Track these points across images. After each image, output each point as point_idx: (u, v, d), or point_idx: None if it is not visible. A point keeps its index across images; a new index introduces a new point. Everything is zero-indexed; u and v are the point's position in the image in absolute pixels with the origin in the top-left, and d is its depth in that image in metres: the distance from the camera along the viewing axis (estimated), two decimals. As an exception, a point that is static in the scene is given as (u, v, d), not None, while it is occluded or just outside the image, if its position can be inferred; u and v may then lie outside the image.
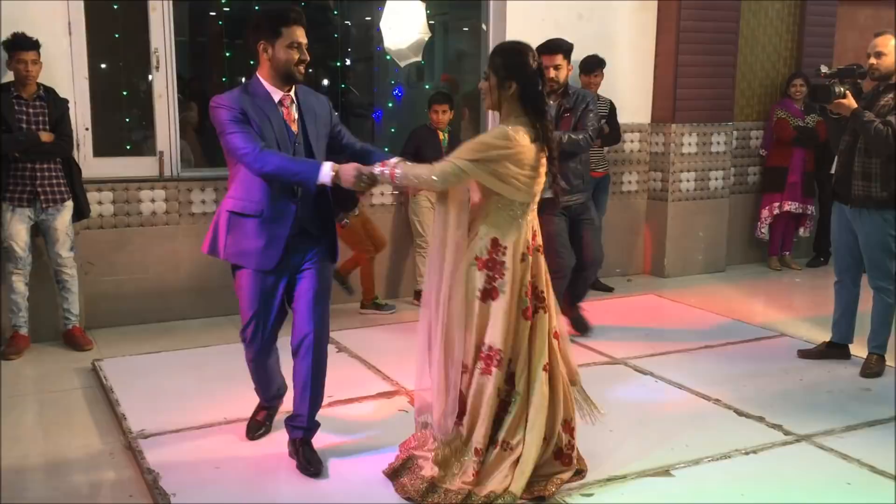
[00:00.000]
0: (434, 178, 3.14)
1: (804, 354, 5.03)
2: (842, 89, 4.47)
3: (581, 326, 5.39)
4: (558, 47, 5.07)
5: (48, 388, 4.54)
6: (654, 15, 7.05)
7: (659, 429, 3.96)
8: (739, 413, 4.15)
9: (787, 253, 7.68)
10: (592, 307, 5.69)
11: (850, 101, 4.46)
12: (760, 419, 4.07)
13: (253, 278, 3.47)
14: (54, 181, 4.99)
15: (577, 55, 6.52)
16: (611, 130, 6.49)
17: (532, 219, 3.30)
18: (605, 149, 6.68)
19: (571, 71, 5.15)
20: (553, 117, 4.97)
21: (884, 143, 4.39)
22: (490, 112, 6.10)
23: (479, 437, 3.22)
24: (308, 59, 3.37)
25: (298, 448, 3.52)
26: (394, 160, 3.25)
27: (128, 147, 5.95)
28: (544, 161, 3.28)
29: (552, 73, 4.98)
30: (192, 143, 6.57)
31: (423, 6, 6.53)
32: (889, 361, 4.78)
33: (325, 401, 4.19)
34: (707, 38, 7.00)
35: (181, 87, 6.01)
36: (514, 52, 3.29)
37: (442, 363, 3.22)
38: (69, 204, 5.07)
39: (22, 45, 4.84)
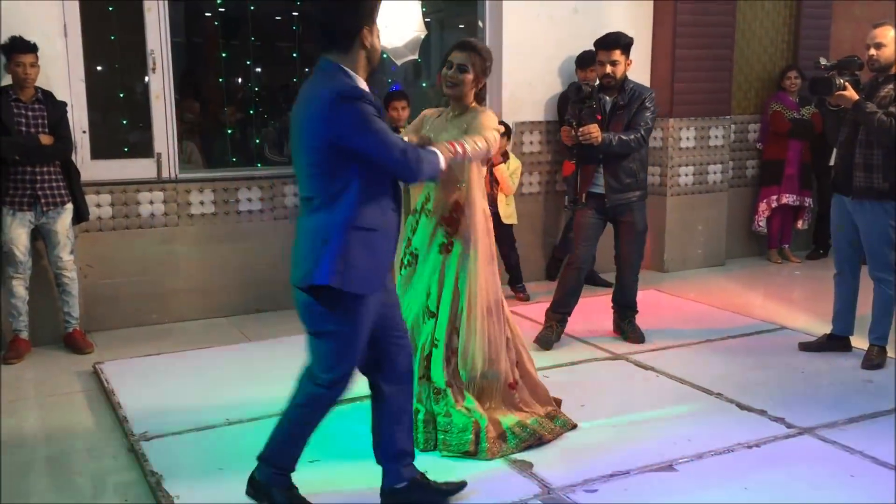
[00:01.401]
0: (489, 146, 3.42)
1: (805, 347, 5.03)
2: (842, 81, 4.46)
3: (636, 336, 5.21)
4: (616, 42, 4.91)
5: (49, 392, 4.54)
6: (651, 9, 7.04)
7: (661, 424, 3.96)
8: (741, 407, 4.15)
9: (787, 246, 7.68)
10: (593, 303, 5.69)
11: (851, 93, 4.46)
12: (762, 413, 4.07)
13: (372, 305, 2.91)
14: (54, 184, 4.98)
15: (573, 50, 6.54)
16: None
17: None
18: None
19: (631, 66, 5.00)
20: (606, 113, 4.95)
21: (887, 134, 4.39)
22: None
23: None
24: None
25: (428, 482, 3.21)
26: (450, 140, 3.30)
27: (125, 149, 5.94)
28: None
29: (608, 68, 4.90)
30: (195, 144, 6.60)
31: (418, 4, 6.51)
32: (890, 353, 4.78)
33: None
34: (704, 31, 6.99)
35: (183, 89, 6.01)
36: (489, 55, 3.74)
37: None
38: (69, 207, 5.07)
39: (19, 47, 4.83)
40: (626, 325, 5.25)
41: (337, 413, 4.02)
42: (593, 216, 5.08)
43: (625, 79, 4.99)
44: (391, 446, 3.13)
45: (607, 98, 4.99)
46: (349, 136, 2.71)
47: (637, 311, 5.32)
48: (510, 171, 5.93)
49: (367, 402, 3.22)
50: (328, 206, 2.79)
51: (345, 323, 2.87)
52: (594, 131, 4.77)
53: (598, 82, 5.04)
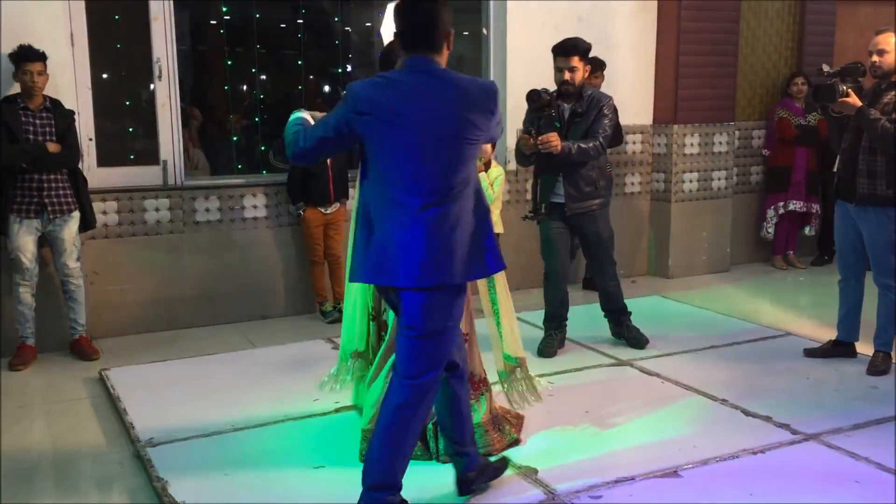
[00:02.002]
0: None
1: (810, 353, 5.03)
2: (845, 88, 4.47)
3: (637, 339, 5.19)
4: (574, 48, 4.85)
5: (56, 399, 4.56)
6: (655, 16, 7.06)
7: (666, 430, 3.96)
8: (746, 413, 4.15)
9: (792, 252, 7.68)
10: (596, 309, 5.68)
11: (855, 100, 4.46)
12: (768, 419, 4.07)
13: None
14: (61, 192, 5.01)
15: (578, 58, 6.54)
16: (613, 132, 6.48)
17: None
18: (608, 150, 6.66)
19: (589, 72, 4.95)
20: (565, 121, 4.92)
21: (890, 141, 4.39)
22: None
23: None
24: None
25: (488, 460, 3.42)
26: None
27: (131, 157, 5.97)
28: None
29: (566, 75, 4.84)
30: (199, 150, 6.62)
31: (423, 11, 6.54)
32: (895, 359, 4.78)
33: (332, 406, 4.23)
34: (708, 38, 7.01)
35: (188, 96, 6.03)
36: None
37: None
38: (76, 214, 5.09)
39: (28, 56, 4.86)
40: (623, 329, 5.25)
41: (342, 418, 4.05)
42: (558, 227, 5.04)
43: (583, 86, 4.95)
44: (466, 433, 3.26)
45: (566, 105, 4.94)
46: (498, 122, 3.09)
47: (630, 313, 5.29)
48: (491, 179, 5.92)
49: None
50: (467, 194, 3.00)
51: (458, 314, 3.05)
52: (553, 140, 4.72)
53: (556, 90, 4.97)
